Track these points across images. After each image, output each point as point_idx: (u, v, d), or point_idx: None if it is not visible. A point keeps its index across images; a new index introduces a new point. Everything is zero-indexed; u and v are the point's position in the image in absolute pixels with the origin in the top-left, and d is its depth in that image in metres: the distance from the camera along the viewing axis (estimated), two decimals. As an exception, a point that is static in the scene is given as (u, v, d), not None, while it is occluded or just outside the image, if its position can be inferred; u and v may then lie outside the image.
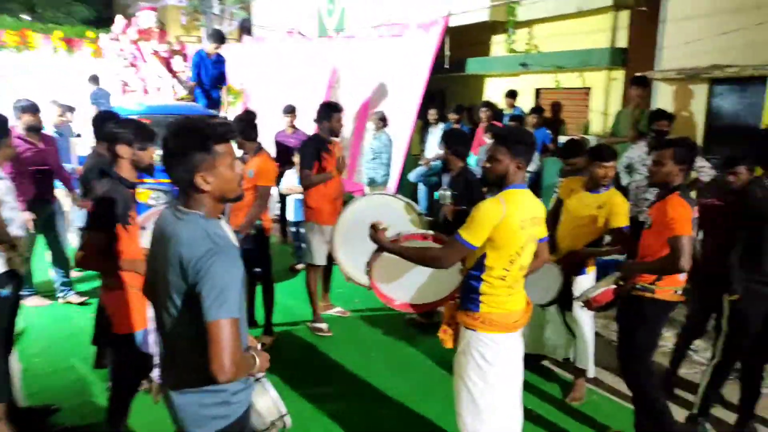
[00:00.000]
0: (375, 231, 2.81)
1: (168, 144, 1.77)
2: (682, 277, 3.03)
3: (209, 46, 7.42)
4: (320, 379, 4.10)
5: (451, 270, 3.01)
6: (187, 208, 1.81)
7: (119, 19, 7.46)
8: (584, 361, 3.78)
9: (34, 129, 4.84)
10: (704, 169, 4.82)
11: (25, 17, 13.94)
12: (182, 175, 1.76)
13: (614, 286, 3.10)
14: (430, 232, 3.16)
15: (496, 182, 2.61)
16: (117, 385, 2.97)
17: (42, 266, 5.47)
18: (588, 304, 3.19)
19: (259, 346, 2.04)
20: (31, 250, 4.89)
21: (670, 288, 3.01)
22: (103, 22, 17.74)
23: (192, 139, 1.75)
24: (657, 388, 3.20)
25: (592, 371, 3.82)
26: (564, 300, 3.63)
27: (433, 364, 4.28)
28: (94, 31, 11.01)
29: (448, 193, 4.38)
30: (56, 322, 4.92)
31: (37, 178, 4.85)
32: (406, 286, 3.28)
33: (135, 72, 7.23)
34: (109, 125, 2.93)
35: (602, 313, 4.95)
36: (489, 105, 7.44)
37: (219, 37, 7.46)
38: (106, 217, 2.68)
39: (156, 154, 2.94)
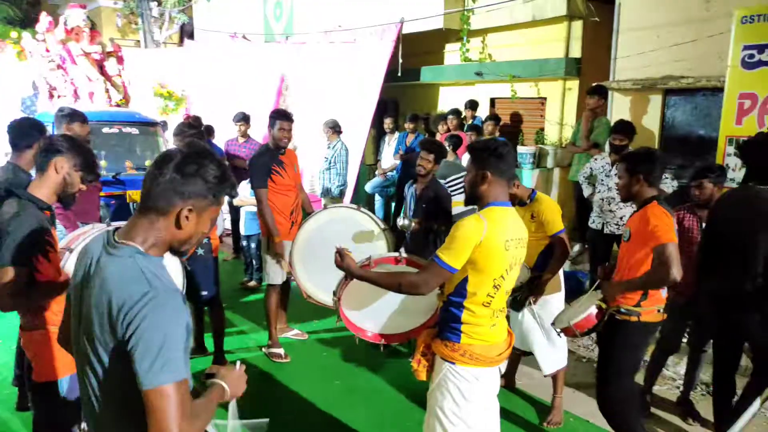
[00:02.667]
0: (342, 258, 2.48)
1: (185, 158, 1.46)
2: (664, 294, 2.89)
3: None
4: (277, 411, 3.74)
5: (426, 299, 2.75)
6: (124, 239, 1.44)
7: (44, 17, 6.81)
8: (558, 363, 3.62)
9: None
10: (666, 180, 4.80)
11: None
12: (169, 195, 1.43)
13: (596, 310, 2.89)
14: (404, 254, 2.89)
15: (472, 198, 2.40)
16: (41, 438, 2.54)
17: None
18: (567, 331, 2.97)
19: (238, 366, 1.68)
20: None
21: (654, 308, 2.85)
22: (29, 22, 16.62)
23: (211, 173, 1.47)
24: (637, 414, 3.09)
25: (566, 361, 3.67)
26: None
27: (398, 393, 3.99)
28: (18, 30, 10.18)
29: (407, 222, 4.10)
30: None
31: None
32: (377, 314, 3.00)
33: (63, 75, 6.60)
34: (53, 138, 2.50)
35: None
36: (456, 113, 7.31)
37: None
38: (18, 248, 2.24)
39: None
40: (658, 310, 2.88)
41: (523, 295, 3.45)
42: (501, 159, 2.32)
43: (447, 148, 5.97)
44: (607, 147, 5.21)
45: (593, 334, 3.49)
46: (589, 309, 2.91)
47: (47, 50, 6.70)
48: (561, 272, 3.62)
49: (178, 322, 1.36)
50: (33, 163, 2.82)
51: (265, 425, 1.92)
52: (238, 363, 1.67)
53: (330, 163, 6.87)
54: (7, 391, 3.73)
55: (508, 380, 4.00)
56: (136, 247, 1.43)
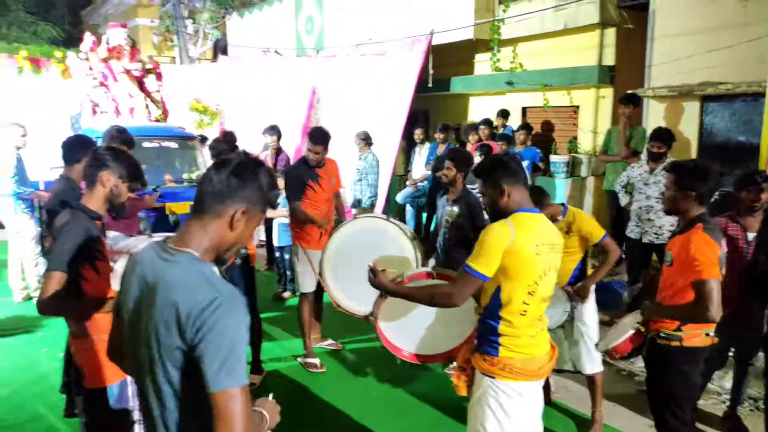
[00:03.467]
0: (375, 275, 2.48)
1: (241, 164, 1.55)
2: None
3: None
4: (314, 422, 3.77)
5: (463, 314, 2.74)
6: (178, 246, 1.49)
7: (87, 37, 7.09)
8: (591, 365, 3.56)
9: None
10: None
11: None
12: (226, 197, 1.51)
13: (633, 333, 2.78)
14: (435, 268, 2.90)
15: (497, 215, 2.37)
16: (90, 444, 2.61)
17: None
18: (609, 354, 2.90)
19: (271, 397, 1.69)
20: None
21: (700, 332, 2.68)
22: (71, 41, 17.31)
23: (264, 180, 1.57)
24: None
25: (599, 365, 3.61)
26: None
27: (435, 405, 3.95)
28: (62, 50, 10.61)
29: (456, 208, 4.12)
30: (19, 366, 4.47)
31: None
32: (415, 331, 3.01)
33: (105, 92, 6.85)
34: (98, 151, 2.59)
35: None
36: (488, 122, 7.30)
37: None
38: (64, 255, 2.33)
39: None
40: (707, 334, 2.69)
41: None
42: (508, 167, 2.34)
43: (478, 157, 5.98)
44: (644, 155, 5.12)
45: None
46: (626, 332, 2.82)
47: (90, 68, 6.97)
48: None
49: (244, 328, 1.41)
50: (83, 176, 2.94)
51: None
52: (271, 395, 1.70)
53: (362, 174, 6.93)
54: (55, 398, 3.84)
55: (545, 397, 3.94)
56: (192, 254, 1.49)
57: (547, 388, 3.97)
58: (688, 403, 2.80)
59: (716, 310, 2.45)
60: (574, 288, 3.50)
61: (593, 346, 3.50)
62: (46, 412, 3.78)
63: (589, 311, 3.58)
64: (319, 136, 4.36)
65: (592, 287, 3.56)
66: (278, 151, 6.84)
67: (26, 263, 5.77)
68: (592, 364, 3.57)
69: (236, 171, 1.53)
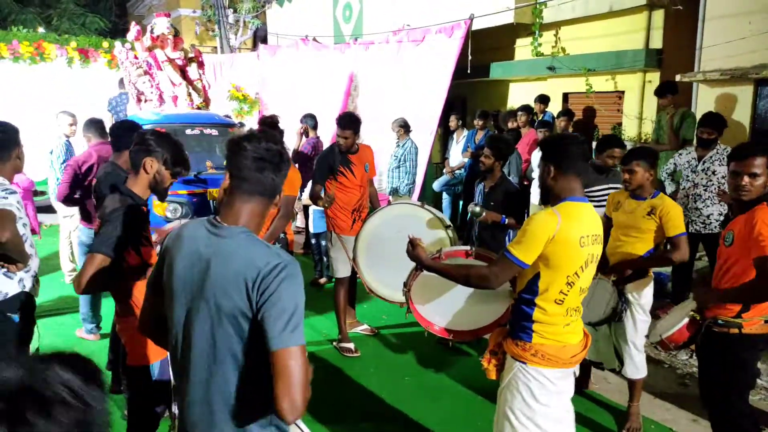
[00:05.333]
0: (413, 247, 2.51)
1: (282, 149, 1.67)
2: None
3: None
4: (348, 404, 3.82)
5: (497, 294, 2.71)
6: (228, 222, 1.61)
7: (133, 27, 7.27)
8: (634, 371, 3.42)
9: None
10: None
11: (41, 30, 13.92)
12: (272, 180, 1.63)
13: (688, 321, 2.68)
14: (474, 248, 2.86)
15: (544, 193, 2.35)
16: (134, 419, 2.72)
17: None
18: (663, 345, 2.80)
19: None
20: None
21: (760, 318, 2.56)
22: (117, 32, 17.84)
23: (284, 158, 1.70)
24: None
25: (643, 371, 3.46)
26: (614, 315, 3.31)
27: (469, 391, 3.95)
28: (109, 41, 10.94)
29: (478, 209, 4.06)
30: (69, 344, 4.67)
31: None
32: (446, 309, 2.99)
33: (150, 80, 7.03)
34: (144, 136, 2.62)
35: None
36: (527, 109, 7.14)
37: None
38: (110, 239, 2.41)
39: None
40: (766, 321, 2.56)
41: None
42: (565, 153, 2.25)
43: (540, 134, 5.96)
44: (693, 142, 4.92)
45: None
46: (681, 321, 2.71)
47: (135, 57, 7.15)
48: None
49: (303, 293, 1.52)
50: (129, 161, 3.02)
51: None
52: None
53: (399, 161, 6.91)
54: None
55: (582, 385, 3.86)
56: (244, 229, 1.59)
57: (585, 376, 3.90)
58: (744, 394, 2.69)
59: None
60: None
61: (637, 353, 3.38)
62: (94, 387, 3.94)
63: (643, 316, 3.37)
64: (346, 121, 4.36)
65: (650, 292, 3.35)
66: (306, 135, 6.92)
67: (75, 246, 6.00)
68: (636, 370, 3.42)
69: (274, 153, 1.63)
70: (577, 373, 2.46)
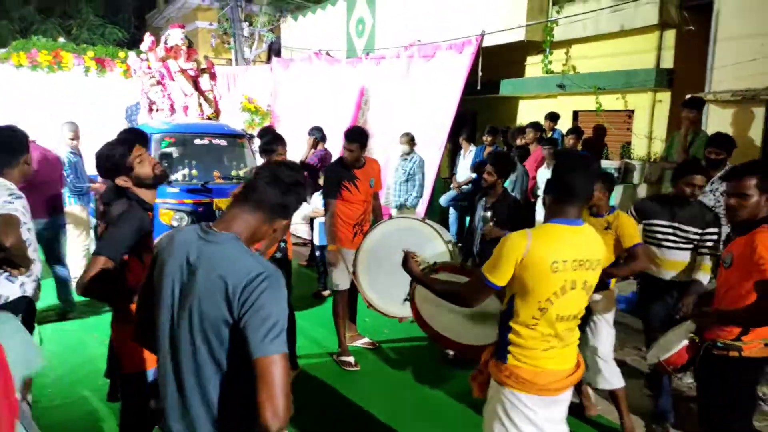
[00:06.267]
0: (405, 260, 2.51)
1: (287, 172, 1.71)
2: None
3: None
4: (347, 418, 3.78)
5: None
6: (221, 229, 1.63)
7: (147, 37, 7.39)
8: (604, 382, 3.44)
9: None
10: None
11: (62, 39, 14.21)
12: (278, 198, 1.66)
13: (687, 343, 2.63)
14: (467, 266, 2.84)
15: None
16: (127, 427, 2.70)
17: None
18: (661, 367, 2.75)
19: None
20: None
21: (760, 341, 2.50)
22: (135, 43, 18.14)
23: (300, 190, 1.74)
24: None
25: (616, 382, 3.46)
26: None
27: (468, 407, 3.88)
28: (125, 51, 11.13)
29: (489, 213, 4.06)
30: (69, 350, 4.69)
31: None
32: (449, 321, 2.94)
33: (162, 90, 7.12)
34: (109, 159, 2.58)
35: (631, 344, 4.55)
36: (535, 126, 7.15)
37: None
38: (115, 243, 2.42)
39: (159, 162, 2.73)
40: (766, 344, 2.50)
41: None
42: (560, 173, 2.16)
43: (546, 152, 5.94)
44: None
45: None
46: (680, 343, 2.66)
47: (149, 67, 7.25)
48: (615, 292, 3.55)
49: (285, 302, 1.53)
50: None
51: None
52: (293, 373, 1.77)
53: (408, 175, 6.91)
54: (100, 382, 3.98)
55: (583, 410, 3.81)
56: (234, 235, 1.61)
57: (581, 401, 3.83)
58: (746, 419, 2.63)
59: None
60: None
61: (604, 363, 3.42)
62: (90, 395, 3.94)
63: (605, 326, 3.46)
64: (353, 134, 4.37)
65: (612, 304, 3.47)
66: (315, 148, 6.94)
67: (75, 253, 6.02)
68: (606, 381, 3.44)
69: (285, 188, 1.67)
70: (568, 402, 2.30)
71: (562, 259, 2.06)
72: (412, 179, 6.90)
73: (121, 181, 2.55)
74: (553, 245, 2.07)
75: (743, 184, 2.53)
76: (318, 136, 6.99)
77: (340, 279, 4.48)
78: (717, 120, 5.96)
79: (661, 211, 3.58)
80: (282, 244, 4.02)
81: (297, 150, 7.55)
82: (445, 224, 7.54)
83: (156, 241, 3.09)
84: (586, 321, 3.37)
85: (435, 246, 3.69)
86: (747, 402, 2.62)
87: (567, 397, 2.25)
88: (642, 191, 6.77)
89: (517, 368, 2.15)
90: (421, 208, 7.10)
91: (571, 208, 2.13)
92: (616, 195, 6.66)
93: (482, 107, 9.49)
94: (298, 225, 7.61)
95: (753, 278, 2.40)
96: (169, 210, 5.63)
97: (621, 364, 4.53)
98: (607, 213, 3.48)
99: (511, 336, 2.17)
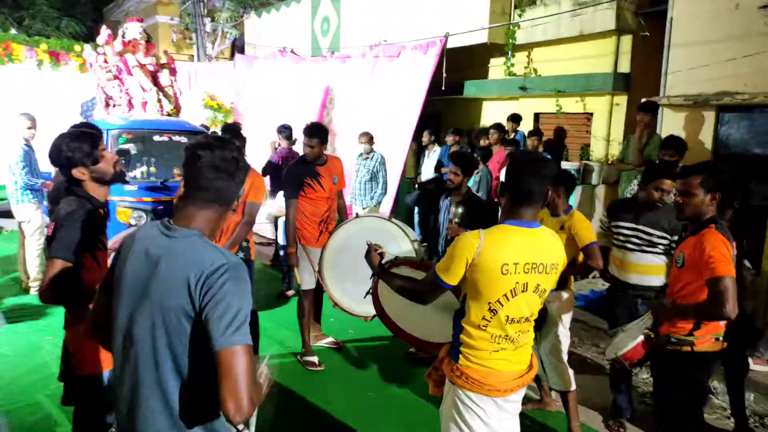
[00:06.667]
0: (368, 252, 2.53)
1: (239, 156, 1.68)
2: (723, 322, 2.63)
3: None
4: (311, 418, 3.76)
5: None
6: (180, 225, 1.60)
7: (104, 30, 7.16)
8: (559, 383, 3.52)
9: None
10: None
11: (13, 31, 13.64)
12: (227, 188, 1.63)
13: (643, 338, 2.72)
14: (427, 261, 2.85)
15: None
16: (82, 429, 2.61)
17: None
18: (619, 363, 2.83)
19: (264, 365, 1.74)
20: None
21: (710, 336, 2.61)
22: (92, 37, 17.56)
23: (239, 163, 1.69)
24: None
25: (569, 385, 3.52)
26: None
27: (433, 406, 3.89)
28: (81, 44, 10.76)
29: (461, 209, 4.10)
30: (23, 353, 4.50)
31: None
32: (411, 315, 2.95)
33: (119, 85, 6.91)
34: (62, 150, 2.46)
35: (591, 341, 4.67)
36: (498, 127, 7.25)
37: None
38: (68, 243, 2.32)
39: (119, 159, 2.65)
40: (717, 339, 2.63)
41: None
42: (515, 175, 2.16)
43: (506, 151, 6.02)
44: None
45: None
46: (636, 338, 2.74)
47: (105, 61, 7.03)
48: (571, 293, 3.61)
49: (248, 295, 1.50)
50: None
51: None
52: (266, 359, 1.74)
53: (371, 173, 6.92)
54: (53, 386, 3.86)
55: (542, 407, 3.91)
56: (195, 231, 1.58)
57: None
58: (698, 411, 2.74)
59: (732, 308, 2.40)
60: None
61: (559, 365, 3.50)
62: (44, 399, 3.80)
63: (560, 328, 3.53)
64: (312, 130, 4.33)
65: (569, 305, 3.56)
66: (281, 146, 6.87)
67: (28, 253, 5.79)
68: (560, 382, 3.52)
69: (229, 174, 1.63)
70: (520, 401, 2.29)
71: (513, 261, 2.04)
72: (375, 177, 6.90)
73: (78, 172, 2.45)
74: (505, 247, 2.05)
75: (689, 182, 2.63)
76: (285, 134, 6.92)
77: (306, 278, 4.45)
78: (671, 123, 6.18)
79: (626, 213, 3.62)
80: (244, 244, 3.97)
81: (259, 147, 7.46)
82: (411, 224, 7.58)
83: (119, 238, 3.01)
84: (541, 322, 3.38)
85: (401, 245, 3.71)
86: (699, 395, 2.72)
87: (519, 397, 2.25)
88: (600, 192, 6.97)
89: (468, 368, 2.14)
90: (387, 207, 7.11)
91: (525, 210, 2.11)
92: (576, 196, 6.83)
93: (447, 108, 9.57)
94: (262, 224, 7.51)
95: (704, 277, 2.50)
96: (127, 208, 5.48)
97: (581, 360, 4.68)
98: (564, 213, 3.56)
99: (462, 336, 2.16)
